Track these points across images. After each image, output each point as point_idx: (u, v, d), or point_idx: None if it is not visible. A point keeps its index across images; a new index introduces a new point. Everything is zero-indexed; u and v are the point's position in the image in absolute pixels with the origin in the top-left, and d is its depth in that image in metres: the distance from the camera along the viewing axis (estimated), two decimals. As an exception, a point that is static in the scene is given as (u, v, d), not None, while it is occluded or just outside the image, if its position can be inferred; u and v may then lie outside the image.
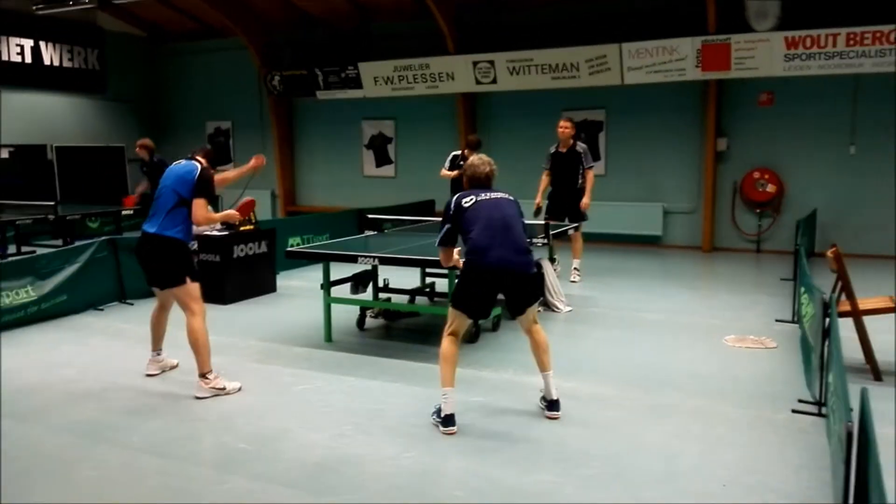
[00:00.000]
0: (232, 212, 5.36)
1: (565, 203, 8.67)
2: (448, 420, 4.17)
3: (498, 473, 3.66)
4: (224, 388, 4.81)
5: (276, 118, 15.32)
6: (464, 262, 4.34)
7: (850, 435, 2.25)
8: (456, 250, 4.60)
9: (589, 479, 3.60)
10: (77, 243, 8.40)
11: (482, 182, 4.48)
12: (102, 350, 6.04)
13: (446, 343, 4.30)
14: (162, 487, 3.56)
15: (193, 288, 4.90)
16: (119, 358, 5.77)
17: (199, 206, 4.84)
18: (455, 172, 8.70)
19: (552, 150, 8.78)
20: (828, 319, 4.22)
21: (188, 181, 4.85)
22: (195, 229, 5.18)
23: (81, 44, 15.02)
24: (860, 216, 10.94)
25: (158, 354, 5.36)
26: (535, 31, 12.43)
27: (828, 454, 3.83)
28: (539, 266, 4.54)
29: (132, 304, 7.62)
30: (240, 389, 4.89)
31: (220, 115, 16.43)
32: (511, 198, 4.49)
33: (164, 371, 5.36)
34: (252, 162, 5.60)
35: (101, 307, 7.47)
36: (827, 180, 11.17)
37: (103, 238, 7.77)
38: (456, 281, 4.45)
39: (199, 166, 4.92)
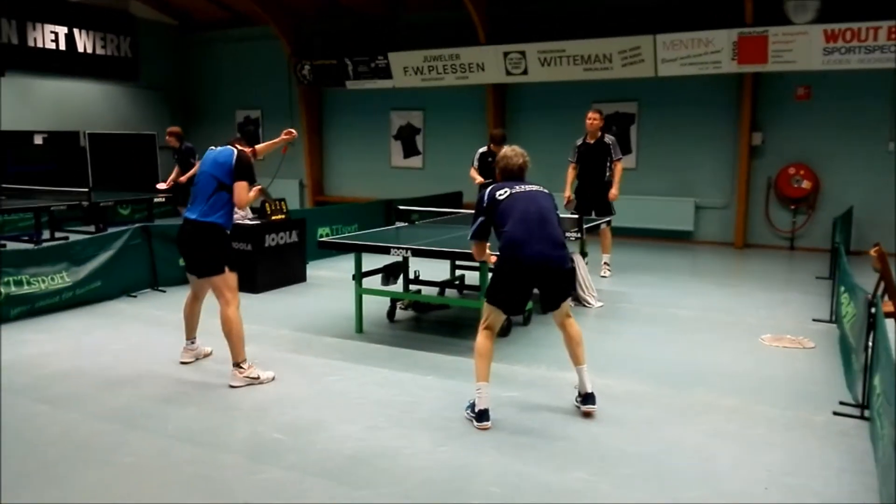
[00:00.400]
0: (260, 187, 5.22)
1: (592, 196, 8.55)
2: (482, 415, 4.14)
3: (533, 470, 3.63)
4: (258, 378, 4.82)
5: (306, 107, 15.34)
6: (499, 257, 4.25)
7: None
8: (487, 245, 4.54)
9: (626, 478, 3.55)
10: (110, 230, 8.49)
11: (515, 174, 4.41)
12: (136, 337, 6.10)
13: (481, 338, 4.25)
14: (196, 476, 3.57)
15: (231, 277, 4.92)
16: (153, 345, 5.81)
17: (241, 189, 4.86)
18: (480, 179, 8.54)
19: (579, 142, 8.67)
20: (873, 320, 4.13)
21: (226, 166, 4.86)
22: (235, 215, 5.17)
23: (114, 31, 15.16)
24: (898, 214, 10.70)
25: (192, 343, 5.39)
26: (567, 21, 12.28)
27: (871, 458, 3.75)
28: (572, 260, 4.43)
29: (164, 292, 7.69)
30: (273, 379, 4.90)
31: (250, 103, 16.49)
32: (546, 191, 4.43)
33: (197, 359, 5.39)
34: (283, 135, 5.54)
35: (134, 294, 7.54)
36: (864, 177, 10.92)
37: (137, 225, 7.85)
38: (490, 275, 4.37)
39: (235, 151, 4.92)
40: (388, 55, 13.40)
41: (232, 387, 4.77)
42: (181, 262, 7.73)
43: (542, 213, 4.22)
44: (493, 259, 4.47)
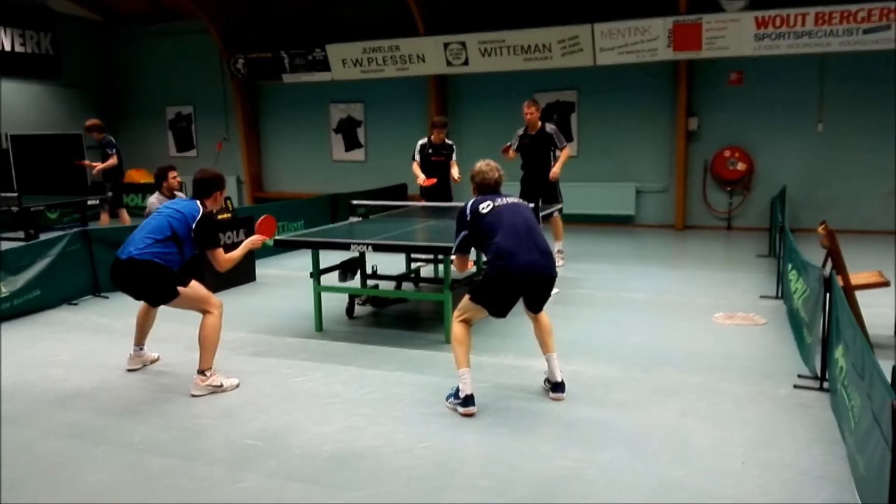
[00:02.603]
0: (254, 238, 5.02)
1: (538, 185, 8.50)
2: (468, 400, 4.18)
3: (517, 460, 3.63)
4: (221, 386, 4.66)
5: (241, 102, 14.95)
6: (489, 267, 4.31)
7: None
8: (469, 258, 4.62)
9: (609, 462, 3.59)
10: (42, 236, 8.09)
11: (492, 188, 4.50)
12: (84, 346, 5.83)
13: (458, 328, 4.31)
14: (173, 489, 3.43)
15: (191, 291, 4.67)
16: (103, 354, 5.57)
17: (219, 257, 4.73)
18: (430, 181, 8.30)
19: (521, 132, 8.57)
20: (830, 295, 4.28)
21: (187, 221, 4.62)
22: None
23: (33, 27, 14.40)
24: (827, 192, 11.19)
25: (141, 349, 5.22)
26: (507, 11, 12.32)
27: (835, 428, 3.90)
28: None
29: (107, 298, 7.37)
30: (237, 386, 4.75)
31: (181, 99, 15.97)
32: (526, 203, 4.60)
33: (145, 366, 5.22)
34: (252, 240, 5.08)
35: (75, 301, 7.21)
36: (795, 158, 11.39)
37: (76, 229, 7.49)
38: (483, 279, 4.41)
39: (201, 209, 4.69)
40: (326, 47, 13.18)
41: (194, 395, 4.60)
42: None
43: (528, 224, 4.32)
44: (471, 264, 4.60)
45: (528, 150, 8.53)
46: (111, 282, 4.85)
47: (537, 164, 8.51)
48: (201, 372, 4.63)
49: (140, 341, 5.20)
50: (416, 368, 5.10)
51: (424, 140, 8.62)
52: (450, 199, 8.51)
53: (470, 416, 4.14)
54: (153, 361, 5.30)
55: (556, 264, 8.45)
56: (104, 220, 10.75)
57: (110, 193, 10.79)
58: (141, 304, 5.13)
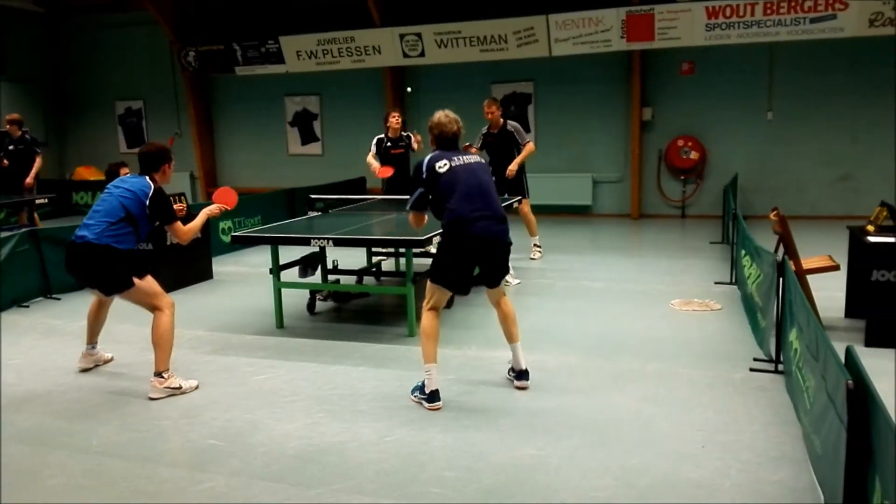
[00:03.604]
0: (212, 207, 5.02)
1: (503, 181, 8.48)
2: (433, 396, 4.16)
3: (482, 450, 3.65)
4: (180, 388, 4.55)
5: (193, 96, 14.67)
6: (444, 234, 4.23)
7: (851, 393, 2.32)
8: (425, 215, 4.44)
9: (573, 449, 3.64)
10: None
11: (451, 141, 4.32)
12: (36, 349, 5.66)
13: (427, 318, 4.24)
14: (135, 492, 3.36)
15: (146, 284, 4.60)
16: (56, 357, 5.42)
17: (179, 231, 4.68)
18: (387, 169, 8.16)
19: (485, 130, 8.46)
20: (783, 279, 4.40)
21: (138, 198, 4.52)
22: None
23: (-28, 20, 13.90)
24: (777, 179, 11.49)
25: (93, 348, 5.11)
26: (463, 2, 12.30)
27: (790, 409, 4.01)
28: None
29: (59, 300, 7.18)
30: (196, 388, 4.65)
31: (131, 94, 15.61)
32: (483, 162, 4.40)
33: (97, 365, 5.11)
34: (209, 209, 5.07)
35: (25, 304, 6.99)
36: (746, 146, 11.65)
37: (24, 229, 7.27)
38: (438, 253, 4.32)
39: (151, 185, 4.57)
40: (280, 39, 13.00)
41: (151, 398, 4.49)
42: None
43: (482, 188, 4.20)
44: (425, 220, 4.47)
45: (492, 148, 8.42)
46: (65, 267, 4.72)
47: (502, 161, 8.34)
48: (158, 374, 4.52)
49: (92, 340, 5.09)
50: (379, 363, 5.08)
51: (381, 135, 8.52)
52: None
53: (436, 410, 4.14)
54: (107, 361, 5.18)
55: (533, 257, 8.56)
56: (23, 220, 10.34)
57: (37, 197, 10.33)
58: (91, 301, 5.02)
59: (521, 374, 4.46)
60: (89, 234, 4.47)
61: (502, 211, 4.29)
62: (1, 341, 5.70)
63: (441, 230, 4.33)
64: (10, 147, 9.98)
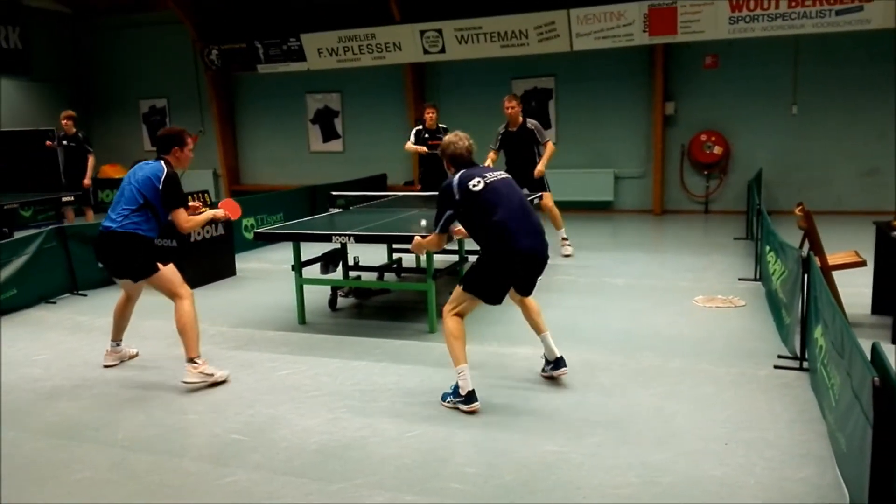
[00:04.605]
0: (217, 211, 5.12)
1: (524, 178, 8.31)
2: (470, 397, 4.07)
3: (504, 447, 3.65)
4: (212, 375, 4.63)
5: (215, 94, 14.80)
6: (490, 247, 4.12)
7: (877, 390, 2.29)
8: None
9: (595, 446, 3.62)
10: (17, 234, 7.96)
11: (466, 159, 4.31)
12: (63, 345, 5.75)
13: (452, 322, 4.15)
14: (159, 485, 3.41)
15: (168, 271, 4.71)
16: (83, 352, 5.51)
17: (180, 218, 4.70)
18: (422, 148, 8.66)
19: (502, 129, 8.41)
20: (808, 275, 4.34)
21: (152, 183, 4.61)
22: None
23: (0, 22, 14.09)
24: (802, 174, 11.33)
25: (118, 345, 5.18)
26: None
27: (815, 407, 3.97)
28: None
29: (86, 296, 7.29)
30: (227, 377, 4.71)
31: (155, 92, 15.78)
32: (510, 177, 4.36)
33: (122, 361, 5.18)
34: (214, 212, 5.14)
35: (53, 300, 7.11)
36: (771, 140, 11.50)
37: (51, 227, 7.39)
38: (477, 266, 4.20)
39: (165, 169, 4.65)
40: (301, 37, 13.06)
41: (186, 383, 4.56)
42: (96, 264, 7.39)
43: (523, 203, 4.20)
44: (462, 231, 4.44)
45: (512, 145, 8.37)
46: (95, 257, 4.89)
47: (522, 159, 8.31)
48: (191, 360, 4.60)
49: (117, 336, 5.16)
50: (400, 359, 5.10)
51: (419, 126, 8.96)
52: None
53: (474, 412, 4.04)
54: (131, 357, 5.26)
55: (567, 253, 8.50)
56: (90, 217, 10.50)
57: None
58: (118, 298, 5.09)
59: (559, 362, 4.44)
60: (113, 223, 4.61)
61: (541, 224, 4.26)
62: (1, 341, 5.78)
63: (484, 244, 4.18)
64: (65, 143, 10.15)
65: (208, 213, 5.03)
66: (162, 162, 4.71)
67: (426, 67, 13.29)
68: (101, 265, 4.96)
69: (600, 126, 12.49)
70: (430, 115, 8.97)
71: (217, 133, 14.92)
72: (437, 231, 4.27)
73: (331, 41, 12.88)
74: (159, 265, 4.69)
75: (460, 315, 4.19)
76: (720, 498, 3.12)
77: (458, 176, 4.17)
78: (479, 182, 4.10)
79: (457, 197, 4.12)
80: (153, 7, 14.71)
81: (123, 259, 4.69)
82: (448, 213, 4.18)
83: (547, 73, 12.50)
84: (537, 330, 4.46)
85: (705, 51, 11.50)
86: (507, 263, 4.09)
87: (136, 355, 5.29)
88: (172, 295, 4.70)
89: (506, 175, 4.31)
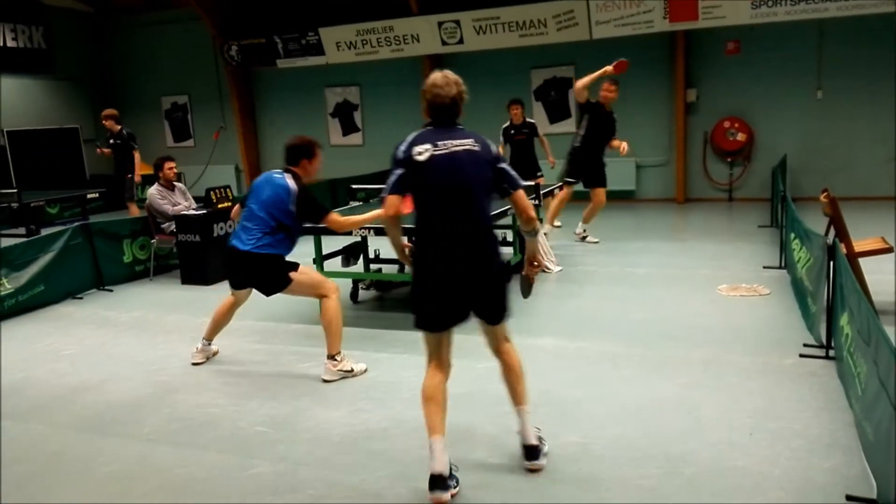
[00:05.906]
0: (378, 212, 4.55)
1: (591, 166, 8.71)
2: (433, 482, 3.05)
3: (526, 438, 3.64)
4: (352, 371, 4.64)
5: (236, 90, 14.88)
6: (412, 248, 3.29)
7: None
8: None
9: (616, 438, 3.61)
10: (44, 231, 8.08)
11: (446, 111, 3.18)
12: (90, 340, 5.84)
13: (425, 375, 3.28)
14: (185, 478, 3.46)
15: (304, 277, 4.70)
16: (109, 347, 5.59)
17: (333, 223, 4.74)
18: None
19: (507, 125, 9.39)
20: (834, 263, 4.28)
21: (285, 209, 4.56)
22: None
23: (25, 22, 14.32)
24: (828, 160, 11.15)
25: (209, 343, 5.16)
26: (500, -13, 12.19)
27: (842, 396, 3.91)
28: (507, 261, 3.53)
29: (112, 291, 7.39)
30: (365, 371, 4.71)
31: (176, 89, 15.91)
32: (477, 148, 3.16)
33: (208, 359, 5.16)
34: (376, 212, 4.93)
35: (79, 296, 7.22)
36: (795, 126, 11.33)
37: (77, 223, 7.50)
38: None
39: (291, 187, 4.56)
40: (319, 31, 13.09)
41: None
42: (122, 260, 7.47)
43: (464, 186, 3.11)
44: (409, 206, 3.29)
45: (597, 127, 8.82)
46: (225, 270, 4.84)
47: (602, 144, 8.91)
48: (331, 357, 4.63)
49: (210, 336, 5.14)
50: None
51: (506, 124, 9.50)
52: (534, 176, 8.87)
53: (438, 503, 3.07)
54: (214, 354, 5.23)
55: (594, 240, 8.67)
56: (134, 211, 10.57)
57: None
58: (224, 300, 5.08)
59: (531, 452, 3.31)
60: (246, 245, 4.54)
61: (487, 220, 3.22)
62: (1, 342, 5.86)
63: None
64: (111, 141, 10.28)
65: (372, 215, 4.85)
66: (287, 176, 4.61)
67: (444, 59, 13.23)
68: (229, 280, 4.91)
69: (621, 114, 12.18)
70: (516, 111, 9.40)
71: (238, 128, 15.02)
72: (383, 194, 3.20)
73: (349, 34, 12.89)
74: (291, 275, 4.65)
75: (430, 360, 3.28)
76: (744, 489, 3.09)
77: (414, 134, 3.19)
78: (424, 151, 3.10)
79: (400, 157, 3.16)
80: (173, 4, 14.82)
81: (257, 278, 4.70)
82: (397, 172, 3.16)
83: (566, 61, 12.41)
84: (515, 400, 3.37)
85: (727, 36, 11.33)
86: (425, 264, 3.17)
87: (217, 353, 5.24)
88: (316, 296, 4.74)
89: (463, 146, 3.13)
